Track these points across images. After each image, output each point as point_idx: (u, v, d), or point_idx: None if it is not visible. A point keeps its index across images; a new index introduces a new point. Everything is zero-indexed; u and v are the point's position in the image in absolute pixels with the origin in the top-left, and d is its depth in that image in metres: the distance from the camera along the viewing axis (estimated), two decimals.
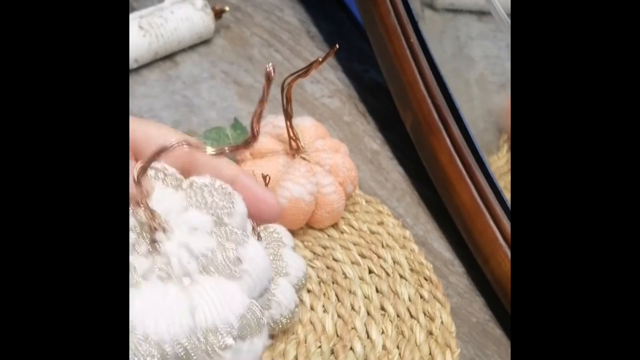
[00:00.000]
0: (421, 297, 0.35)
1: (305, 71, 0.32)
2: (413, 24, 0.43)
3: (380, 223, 0.39)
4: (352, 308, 0.34)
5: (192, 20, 0.51)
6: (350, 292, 0.34)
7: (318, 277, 0.35)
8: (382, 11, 0.44)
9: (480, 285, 0.38)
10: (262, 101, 0.22)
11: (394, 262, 0.36)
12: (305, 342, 0.32)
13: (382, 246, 0.37)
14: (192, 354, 0.22)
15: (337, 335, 0.32)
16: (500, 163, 0.41)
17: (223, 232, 0.24)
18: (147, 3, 0.55)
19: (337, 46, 0.32)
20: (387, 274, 0.35)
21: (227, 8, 0.54)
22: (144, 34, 0.49)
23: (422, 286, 0.35)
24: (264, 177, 0.33)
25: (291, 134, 0.35)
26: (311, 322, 0.33)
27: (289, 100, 0.33)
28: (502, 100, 0.44)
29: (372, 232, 0.38)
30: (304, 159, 0.35)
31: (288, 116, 0.34)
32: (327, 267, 0.36)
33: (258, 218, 0.27)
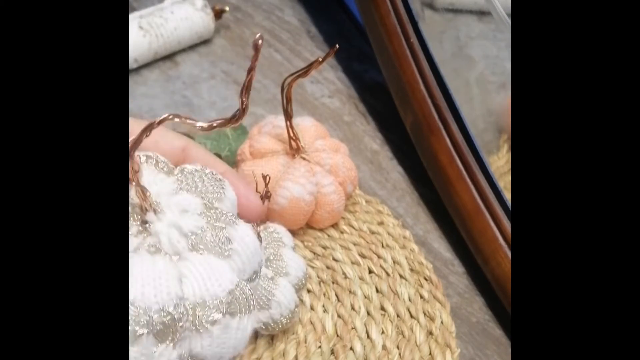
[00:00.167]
0: (421, 297, 0.35)
1: (305, 71, 0.32)
2: (413, 24, 0.43)
3: (380, 223, 0.39)
4: (352, 308, 0.34)
5: (192, 20, 0.51)
6: (350, 292, 0.34)
7: (318, 277, 0.35)
8: (382, 11, 0.44)
9: (480, 285, 0.38)
10: (250, 70, 0.22)
11: (394, 262, 0.36)
12: (305, 342, 0.32)
13: (382, 246, 0.37)
14: (179, 323, 0.22)
15: (337, 335, 0.32)
16: (500, 163, 0.41)
17: (213, 214, 0.24)
18: (147, 3, 0.55)
19: (337, 46, 0.32)
20: (387, 274, 0.35)
21: (227, 8, 0.54)
22: (144, 34, 0.49)
23: (422, 286, 0.35)
24: (264, 177, 0.33)
25: (291, 134, 0.35)
26: (311, 322, 0.33)
27: (289, 100, 0.33)
28: (502, 100, 0.44)
29: (372, 232, 0.38)
30: (304, 159, 0.35)
31: (288, 116, 0.34)
32: (327, 267, 0.36)
33: (240, 215, 0.27)
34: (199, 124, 0.22)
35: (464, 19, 0.46)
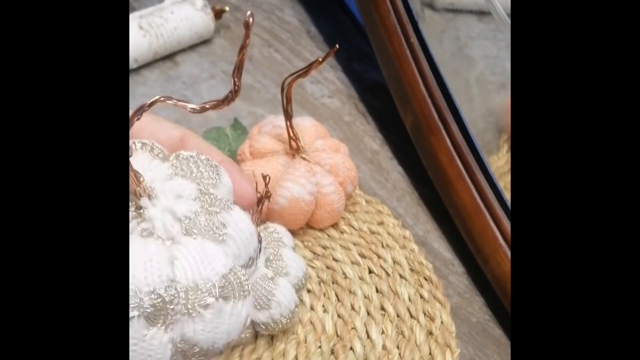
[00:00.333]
0: (421, 297, 0.35)
1: (305, 71, 0.32)
2: (413, 24, 0.43)
3: (380, 223, 0.39)
4: (352, 308, 0.34)
5: (192, 20, 0.51)
6: (350, 292, 0.34)
7: (318, 277, 0.35)
8: (382, 11, 0.44)
9: (480, 285, 0.38)
10: (242, 49, 0.22)
11: (394, 262, 0.36)
12: (305, 342, 0.32)
13: (382, 246, 0.37)
14: (170, 306, 0.21)
15: (337, 335, 0.32)
16: (500, 163, 0.41)
17: (207, 199, 0.24)
18: (147, 3, 0.55)
19: (337, 46, 0.32)
20: (387, 274, 0.35)
21: (227, 8, 0.54)
22: (144, 34, 0.49)
23: (422, 286, 0.35)
24: (264, 177, 0.33)
25: (291, 134, 0.35)
26: (311, 322, 0.33)
27: (289, 100, 0.33)
28: (502, 100, 0.44)
29: (372, 232, 0.38)
30: (304, 159, 0.35)
31: (288, 116, 0.34)
32: (327, 267, 0.36)
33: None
34: (190, 106, 0.22)
35: (464, 19, 0.46)
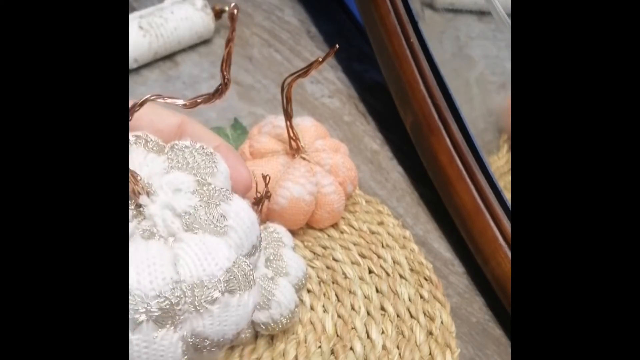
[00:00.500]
0: (421, 297, 0.35)
1: (305, 71, 0.32)
2: (413, 24, 0.43)
3: (380, 223, 0.39)
4: (352, 308, 0.34)
5: (192, 20, 0.51)
6: (350, 292, 0.34)
7: (318, 277, 0.35)
8: (382, 11, 0.44)
9: (480, 285, 0.38)
10: (228, 42, 0.21)
11: (394, 262, 0.36)
12: (305, 342, 0.32)
13: (382, 246, 0.37)
14: (178, 307, 0.21)
15: (337, 335, 0.32)
16: (500, 163, 0.41)
17: (206, 191, 0.24)
18: (147, 3, 0.55)
19: (337, 46, 0.32)
20: (387, 274, 0.35)
21: (227, 8, 0.54)
22: (144, 34, 0.49)
23: (422, 286, 0.35)
24: (264, 177, 0.33)
25: (291, 134, 0.35)
26: (311, 322, 0.33)
27: (289, 100, 0.33)
28: (502, 100, 0.44)
29: (372, 232, 0.38)
30: (304, 159, 0.35)
31: (288, 116, 0.34)
32: (327, 267, 0.36)
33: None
34: (180, 101, 0.22)
35: (464, 19, 0.46)
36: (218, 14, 0.54)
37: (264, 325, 0.29)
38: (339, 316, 0.33)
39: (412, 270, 0.36)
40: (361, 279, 0.35)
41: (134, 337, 0.21)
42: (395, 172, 0.45)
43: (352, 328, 0.33)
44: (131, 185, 0.23)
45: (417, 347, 0.32)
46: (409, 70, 0.42)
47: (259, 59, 0.53)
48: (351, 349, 0.32)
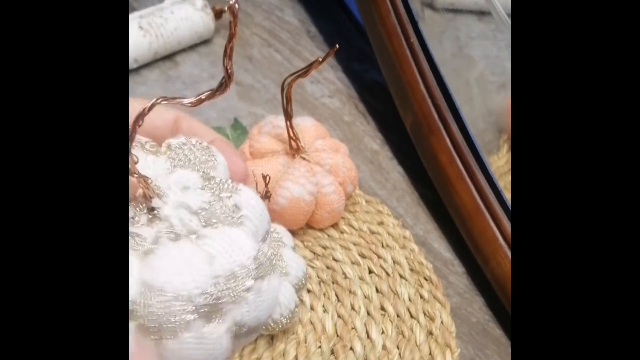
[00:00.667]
0: (421, 297, 0.35)
1: (305, 71, 0.32)
2: (413, 24, 0.43)
3: (380, 223, 0.39)
4: (352, 308, 0.34)
5: (192, 20, 0.51)
6: (350, 292, 0.34)
7: (318, 277, 0.35)
8: (382, 11, 0.44)
9: (480, 285, 0.38)
10: (230, 36, 0.22)
11: (394, 262, 0.36)
12: (305, 342, 0.32)
13: (382, 246, 0.37)
14: (222, 300, 0.22)
15: (337, 335, 0.32)
16: (500, 163, 0.41)
17: (214, 185, 0.24)
18: (147, 3, 0.55)
19: (337, 46, 0.32)
20: (387, 274, 0.35)
21: (226, 8, 0.54)
22: (144, 34, 0.49)
23: (422, 286, 0.35)
24: (264, 177, 0.33)
25: (291, 134, 0.35)
26: (311, 322, 0.33)
27: (289, 100, 0.33)
28: (502, 100, 0.44)
29: (372, 232, 0.38)
30: (304, 159, 0.35)
31: (288, 116, 0.34)
32: (327, 267, 0.36)
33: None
34: (186, 100, 0.23)
35: (464, 19, 0.46)
36: (218, 14, 0.54)
37: (264, 325, 0.29)
38: (339, 316, 0.33)
39: (412, 270, 0.36)
40: (361, 279, 0.35)
41: (187, 336, 0.21)
42: (395, 172, 0.45)
43: (352, 328, 0.33)
44: (143, 190, 0.23)
45: (417, 347, 0.32)
46: (409, 70, 0.42)
47: (259, 59, 0.53)
48: (351, 349, 0.32)
